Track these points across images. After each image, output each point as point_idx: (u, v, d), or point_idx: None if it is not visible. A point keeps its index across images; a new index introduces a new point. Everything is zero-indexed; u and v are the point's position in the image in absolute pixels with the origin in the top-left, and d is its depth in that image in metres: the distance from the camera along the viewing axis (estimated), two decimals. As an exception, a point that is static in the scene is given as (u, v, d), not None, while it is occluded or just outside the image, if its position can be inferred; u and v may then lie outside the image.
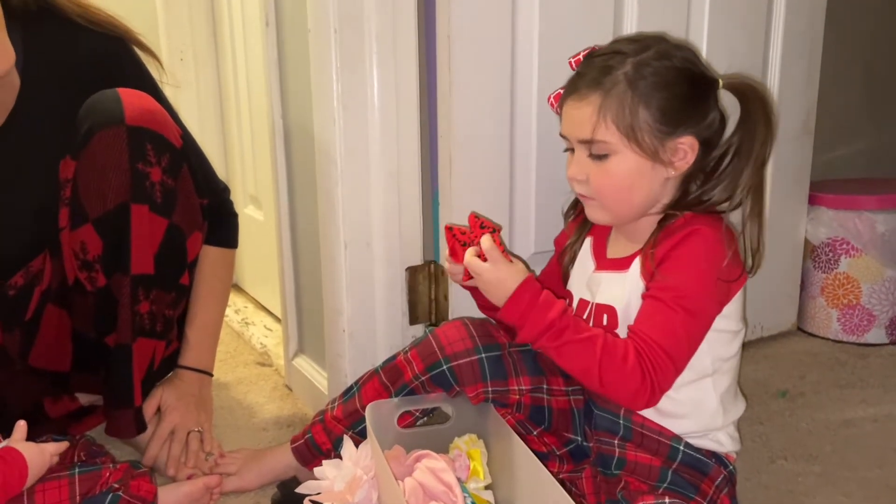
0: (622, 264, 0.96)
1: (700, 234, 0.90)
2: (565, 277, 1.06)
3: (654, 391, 0.88)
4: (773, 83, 1.44)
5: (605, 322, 0.96)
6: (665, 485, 0.92)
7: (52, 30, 1.07)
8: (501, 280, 0.92)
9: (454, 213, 1.18)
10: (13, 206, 1.07)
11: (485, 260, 0.93)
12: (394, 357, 1.06)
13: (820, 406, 1.33)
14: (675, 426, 0.94)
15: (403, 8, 1.14)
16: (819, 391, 1.38)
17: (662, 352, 0.87)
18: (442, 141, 1.19)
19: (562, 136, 0.96)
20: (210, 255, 1.21)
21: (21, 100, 1.06)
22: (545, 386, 1.03)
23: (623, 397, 0.90)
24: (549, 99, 0.99)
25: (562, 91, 0.96)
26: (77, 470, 0.91)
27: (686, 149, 0.91)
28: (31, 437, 0.99)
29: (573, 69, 0.96)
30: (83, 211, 1.04)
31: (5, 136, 1.07)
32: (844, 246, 1.54)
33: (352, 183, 1.17)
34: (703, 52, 1.34)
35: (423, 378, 1.02)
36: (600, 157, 0.91)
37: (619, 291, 0.95)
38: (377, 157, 1.18)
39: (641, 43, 0.92)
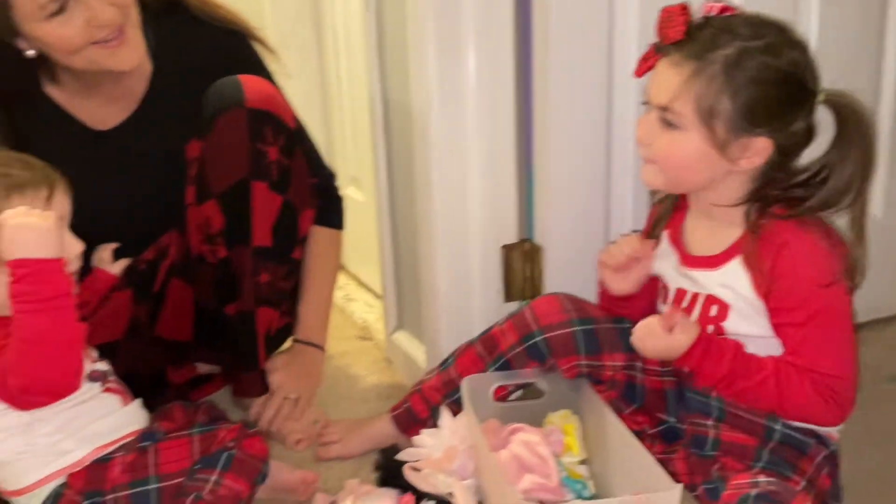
0: (712, 262, 0.95)
1: (802, 241, 0.88)
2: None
3: (844, 410, 0.89)
4: (890, 74, 1.36)
5: (713, 313, 0.95)
6: (761, 464, 0.91)
7: (180, 24, 1.16)
8: (673, 344, 0.92)
9: (550, 192, 1.20)
10: (145, 186, 1.17)
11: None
12: (489, 329, 1.09)
13: (934, 392, 1.27)
14: None
15: (500, -9, 1.16)
16: (933, 377, 1.31)
17: (834, 376, 0.88)
18: (538, 121, 1.20)
19: (645, 89, 0.95)
20: (319, 236, 1.28)
21: (152, 87, 1.16)
22: (639, 364, 1.03)
23: (812, 423, 0.91)
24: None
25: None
26: (197, 430, 0.98)
27: (758, 150, 0.88)
28: (155, 402, 1.08)
29: (704, 13, 0.91)
30: (208, 188, 1.12)
31: (138, 121, 1.17)
32: (967, 226, 1.44)
33: (448, 164, 1.20)
34: (813, 40, 1.26)
35: (517, 349, 1.04)
36: (670, 126, 0.90)
37: (723, 291, 0.94)
38: (473, 139, 1.20)
39: (758, 29, 0.88)
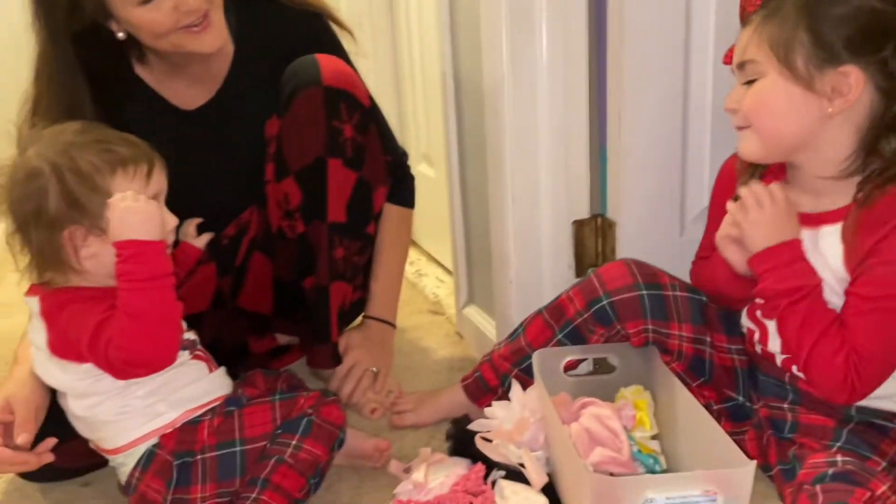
0: (807, 219, 0.91)
1: None
2: None
3: (854, 393, 0.87)
4: None
5: None
6: (839, 444, 0.89)
7: (260, 7, 1.20)
8: (780, 222, 0.88)
9: (622, 166, 1.19)
10: (228, 164, 1.22)
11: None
12: (557, 297, 1.09)
13: None
14: None
15: (573, -38, 1.15)
16: None
17: (872, 361, 0.85)
18: (611, 95, 1.19)
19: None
20: (391, 214, 1.31)
21: (233, 67, 1.20)
22: (708, 339, 1.02)
23: (819, 389, 0.90)
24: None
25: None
26: (278, 396, 1.02)
27: (850, 83, 0.83)
28: (238, 370, 1.13)
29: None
30: (286, 165, 1.16)
31: (221, 101, 1.21)
32: None
33: (519, 139, 1.20)
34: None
35: (584, 315, 1.04)
36: (751, 83, 0.88)
37: (811, 255, 0.90)
38: (545, 113, 1.20)
39: None
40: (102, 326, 0.89)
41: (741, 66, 0.89)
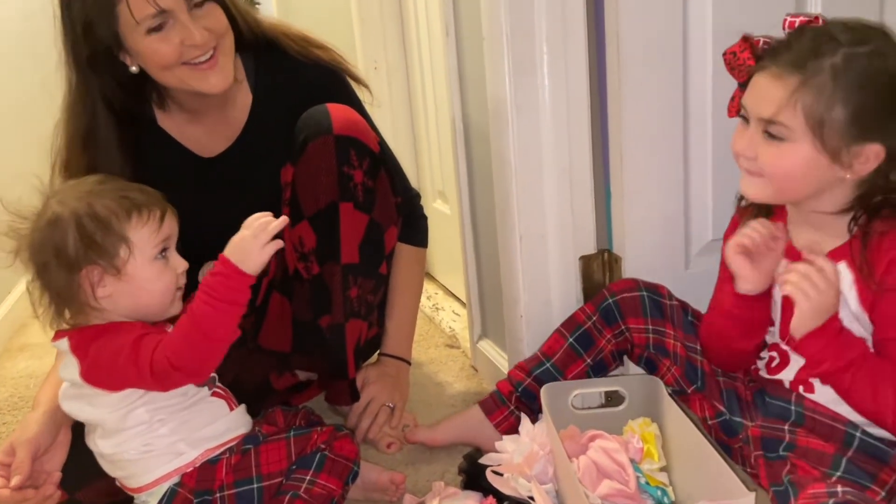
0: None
1: None
2: None
3: None
4: None
5: None
6: (839, 473, 0.89)
7: (278, 61, 1.26)
8: (829, 302, 0.87)
9: (625, 201, 1.22)
10: (247, 209, 1.26)
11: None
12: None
13: None
14: (854, 416, 0.93)
15: (572, 10, 1.19)
16: None
17: None
18: (612, 135, 1.22)
19: (741, 103, 0.93)
20: (404, 254, 1.35)
21: (252, 117, 1.26)
22: (697, 347, 1.08)
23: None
24: (724, 54, 0.96)
25: (740, 52, 0.93)
26: (293, 433, 1.06)
27: (870, 156, 0.87)
28: (261, 407, 1.17)
29: (784, 29, 0.91)
30: (300, 210, 1.21)
31: (240, 149, 1.27)
32: None
33: (525, 179, 1.24)
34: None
35: (594, 317, 1.13)
36: (774, 138, 0.89)
37: None
38: (549, 155, 1.23)
39: (859, 34, 0.87)
40: (143, 340, 0.95)
41: (769, 121, 0.88)
